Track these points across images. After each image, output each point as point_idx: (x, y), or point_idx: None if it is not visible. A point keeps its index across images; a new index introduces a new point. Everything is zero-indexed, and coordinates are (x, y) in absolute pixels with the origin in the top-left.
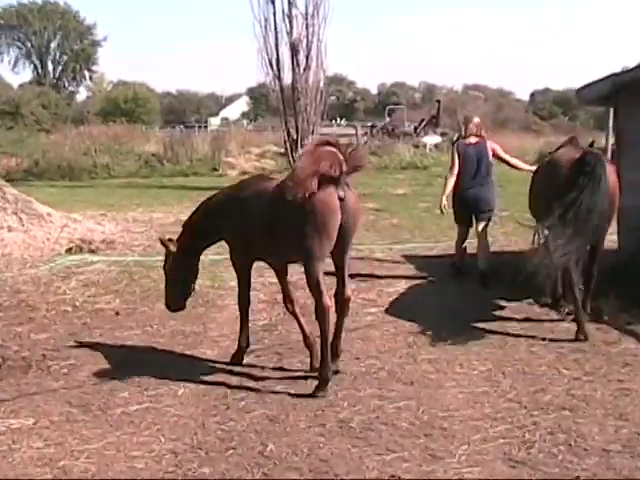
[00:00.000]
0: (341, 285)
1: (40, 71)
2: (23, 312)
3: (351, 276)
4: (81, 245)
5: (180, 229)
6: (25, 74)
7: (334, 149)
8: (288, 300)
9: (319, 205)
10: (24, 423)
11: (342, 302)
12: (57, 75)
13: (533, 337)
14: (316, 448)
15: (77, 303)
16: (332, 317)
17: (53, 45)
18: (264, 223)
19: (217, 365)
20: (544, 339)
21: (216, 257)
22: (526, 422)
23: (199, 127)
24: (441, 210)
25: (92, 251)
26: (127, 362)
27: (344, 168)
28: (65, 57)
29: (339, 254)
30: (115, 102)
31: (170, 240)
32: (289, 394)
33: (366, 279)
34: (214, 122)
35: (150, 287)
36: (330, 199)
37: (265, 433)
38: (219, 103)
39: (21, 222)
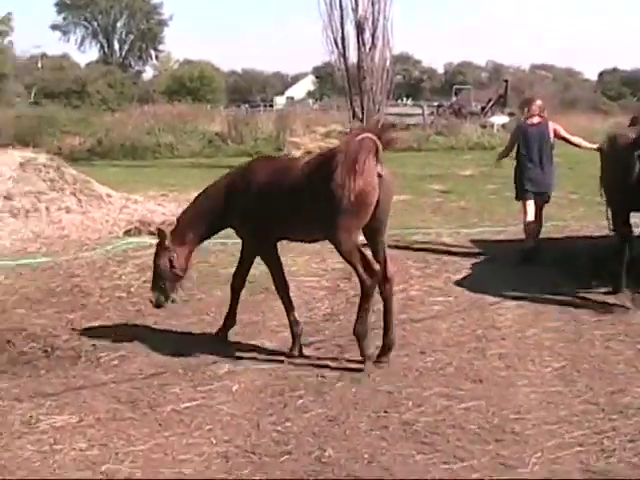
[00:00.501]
0: (382, 267)
1: (106, 50)
2: (76, 298)
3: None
4: (140, 227)
5: None
6: (92, 53)
7: (369, 133)
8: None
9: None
10: (68, 420)
11: (385, 283)
12: (123, 54)
13: (609, 331)
14: (378, 454)
15: (132, 289)
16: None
17: (119, 24)
18: (293, 201)
19: (275, 358)
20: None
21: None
22: (604, 427)
23: (264, 106)
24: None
25: (151, 233)
26: (181, 354)
27: (379, 146)
28: (131, 36)
29: (376, 234)
30: (180, 81)
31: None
32: (350, 391)
33: (432, 266)
34: (279, 101)
35: (208, 272)
36: (371, 175)
37: (323, 436)
38: (285, 82)
39: (79, 203)
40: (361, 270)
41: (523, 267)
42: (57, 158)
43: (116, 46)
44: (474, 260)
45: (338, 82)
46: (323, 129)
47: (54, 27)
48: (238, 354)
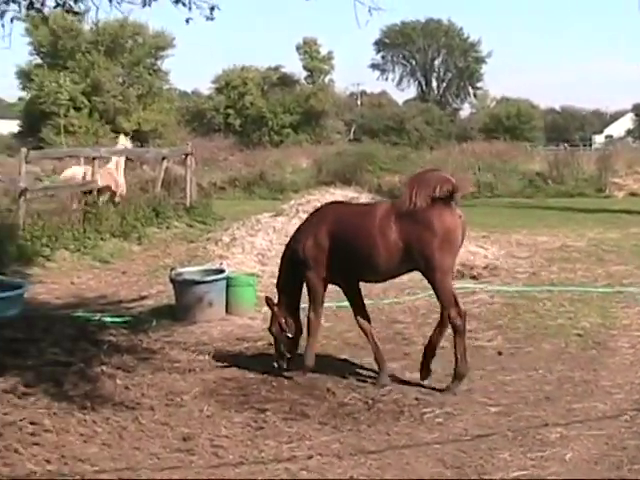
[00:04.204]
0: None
1: (424, 88)
2: (398, 346)
3: None
4: (462, 270)
5: (567, 254)
6: (409, 91)
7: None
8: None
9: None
10: None
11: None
12: (441, 92)
13: None
14: None
15: None
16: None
17: (437, 62)
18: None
19: (609, 423)
20: None
21: (579, 288)
22: None
23: (584, 145)
24: None
25: (473, 277)
26: (508, 413)
27: (457, 188)
28: (449, 74)
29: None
30: (498, 119)
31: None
32: None
33: None
34: (598, 140)
35: (536, 324)
36: (454, 214)
37: None
38: (603, 120)
39: None
40: (453, 311)
41: None
42: (378, 197)
43: (434, 84)
44: None
45: None
46: None
47: (373, 66)
48: (569, 417)
